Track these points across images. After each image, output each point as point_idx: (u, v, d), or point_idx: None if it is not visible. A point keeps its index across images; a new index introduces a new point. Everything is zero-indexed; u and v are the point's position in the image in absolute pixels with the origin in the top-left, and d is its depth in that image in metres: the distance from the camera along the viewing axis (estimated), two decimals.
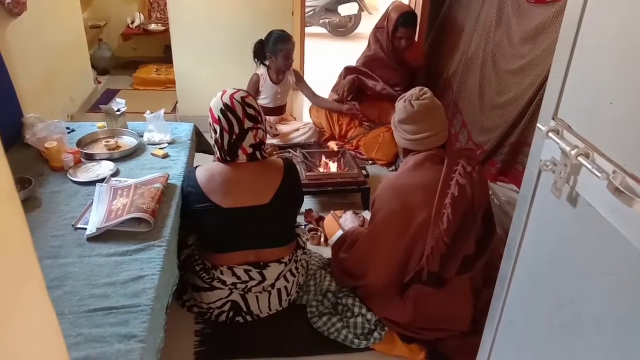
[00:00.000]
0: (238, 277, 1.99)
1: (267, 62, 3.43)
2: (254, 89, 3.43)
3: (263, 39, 3.37)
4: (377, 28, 3.67)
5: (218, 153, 2.01)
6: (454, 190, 1.92)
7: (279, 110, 3.61)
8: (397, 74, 3.68)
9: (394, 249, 2.00)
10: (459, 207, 1.93)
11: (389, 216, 2.00)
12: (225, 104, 1.94)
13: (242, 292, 2.02)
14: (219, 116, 1.94)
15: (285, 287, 2.09)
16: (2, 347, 0.43)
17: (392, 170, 3.40)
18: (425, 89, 2.09)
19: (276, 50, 3.32)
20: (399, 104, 2.08)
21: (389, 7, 3.60)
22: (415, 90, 2.08)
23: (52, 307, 0.51)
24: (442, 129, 2.06)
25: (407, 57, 3.64)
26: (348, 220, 2.58)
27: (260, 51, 3.39)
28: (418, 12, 4.13)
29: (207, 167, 2.05)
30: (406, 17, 3.47)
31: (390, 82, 3.66)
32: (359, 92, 3.67)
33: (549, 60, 1.54)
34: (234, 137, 1.95)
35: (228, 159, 1.99)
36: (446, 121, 2.11)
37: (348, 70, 3.77)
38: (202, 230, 2.06)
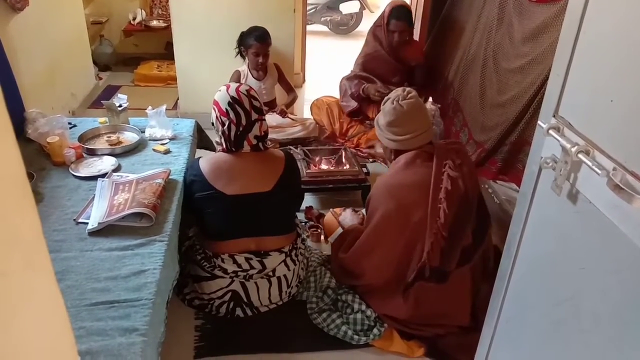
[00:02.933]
0: (239, 266, 2.02)
1: (244, 56, 3.42)
2: None
3: (244, 31, 3.36)
4: (376, 26, 3.66)
5: (224, 144, 2.06)
6: (446, 184, 1.95)
7: (268, 106, 3.59)
8: (397, 72, 3.67)
9: (392, 249, 2.01)
10: (454, 200, 1.95)
11: (386, 217, 2.01)
12: (232, 97, 2.00)
13: (242, 280, 2.04)
14: (226, 109, 2.00)
15: (285, 277, 2.11)
16: (15, 332, 0.44)
17: None
18: (409, 88, 2.13)
19: (248, 46, 3.32)
20: (387, 107, 2.10)
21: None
22: (399, 91, 2.10)
23: (60, 294, 0.52)
24: (428, 126, 2.11)
25: (406, 55, 3.63)
26: (347, 217, 2.59)
27: (239, 43, 3.39)
28: (420, 10, 4.14)
29: (211, 156, 2.12)
30: (397, 9, 3.48)
31: (390, 80, 3.65)
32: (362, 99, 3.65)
33: (550, 59, 1.54)
34: (241, 128, 2.01)
35: (233, 149, 2.05)
36: (430, 119, 2.15)
37: (349, 79, 3.72)
38: (204, 218, 2.08)
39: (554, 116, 1.12)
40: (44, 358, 0.51)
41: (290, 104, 3.62)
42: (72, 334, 0.56)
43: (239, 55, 3.43)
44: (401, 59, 3.64)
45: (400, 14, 3.48)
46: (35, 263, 0.46)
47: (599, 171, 0.92)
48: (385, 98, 2.15)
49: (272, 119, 3.46)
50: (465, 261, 2.00)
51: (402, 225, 1.98)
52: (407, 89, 2.12)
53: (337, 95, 3.94)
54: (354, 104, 3.65)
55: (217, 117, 2.04)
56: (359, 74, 3.70)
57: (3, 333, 0.43)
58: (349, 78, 3.72)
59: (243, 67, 3.46)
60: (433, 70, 3.91)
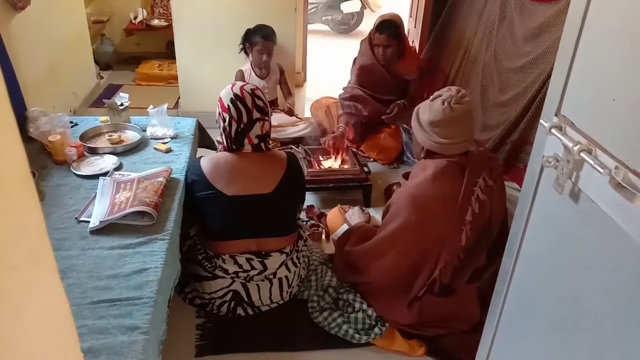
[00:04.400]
0: (240, 266, 2.02)
1: (249, 53, 3.43)
2: None
3: (251, 28, 3.38)
4: (369, 37, 3.61)
5: (225, 142, 2.06)
6: (474, 206, 1.88)
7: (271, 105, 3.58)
8: (390, 85, 3.57)
9: (404, 257, 1.98)
10: (478, 224, 1.91)
11: (404, 227, 1.96)
12: (235, 94, 2.00)
13: (243, 281, 2.04)
14: (228, 105, 2.00)
15: (287, 277, 2.11)
16: (20, 326, 0.44)
17: (395, 168, 3.40)
18: (464, 91, 1.98)
19: (253, 43, 3.34)
20: (436, 105, 1.95)
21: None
22: (452, 92, 1.95)
23: (64, 290, 0.52)
24: (470, 135, 2.00)
25: (400, 70, 3.52)
26: (355, 215, 2.57)
27: (244, 40, 3.40)
28: (420, 10, 4.14)
29: (212, 156, 2.11)
30: (381, 23, 3.37)
31: (383, 92, 3.58)
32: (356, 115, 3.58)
33: (552, 58, 1.54)
34: (241, 126, 2.01)
35: (234, 147, 2.05)
36: (474, 128, 2.05)
37: (345, 99, 3.60)
38: (205, 218, 2.08)
39: (556, 115, 1.12)
40: (48, 352, 0.51)
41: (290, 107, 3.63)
42: (75, 329, 0.56)
43: (242, 52, 3.43)
44: (395, 74, 3.54)
45: (383, 27, 3.36)
46: (39, 258, 0.47)
47: (601, 170, 0.92)
48: (436, 94, 1.99)
49: (273, 118, 3.46)
50: (475, 280, 1.99)
51: (420, 237, 1.94)
52: (462, 90, 1.97)
53: (336, 95, 3.94)
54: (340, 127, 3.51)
55: (219, 113, 2.05)
56: (353, 93, 3.56)
57: (9, 326, 0.43)
58: (344, 98, 3.59)
59: (246, 66, 3.47)
60: (433, 69, 3.89)
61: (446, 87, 2.02)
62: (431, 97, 2.01)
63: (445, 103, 1.92)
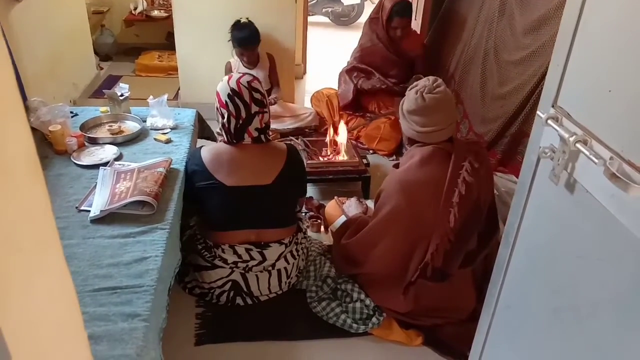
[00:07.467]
0: (239, 256, 2.03)
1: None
2: None
3: (239, 21, 3.34)
4: (372, 18, 3.64)
5: (224, 136, 2.06)
6: (461, 188, 1.90)
7: None
8: (395, 65, 3.65)
9: (397, 244, 2.00)
10: (466, 206, 1.92)
11: (395, 212, 1.99)
12: (232, 89, 1.99)
13: (242, 272, 2.06)
14: (226, 101, 1.99)
15: (285, 269, 2.12)
16: (27, 308, 0.46)
17: (393, 160, 3.41)
18: (439, 80, 2.01)
19: (234, 45, 3.33)
20: (410, 94, 2.01)
21: None
22: (428, 82, 1.99)
23: (69, 272, 0.53)
24: (450, 122, 2.02)
25: (405, 47, 3.62)
26: (352, 206, 2.58)
27: (230, 33, 3.37)
28: (421, 2, 4.13)
29: (213, 146, 2.12)
30: (400, 6, 3.46)
31: (388, 73, 3.65)
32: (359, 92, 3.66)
33: (551, 51, 1.54)
34: (240, 121, 2.00)
35: (234, 141, 2.05)
36: (456, 114, 2.08)
37: (348, 72, 3.74)
38: (205, 208, 2.10)
39: (552, 106, 1.13)
40: (54, 334, 0.52)
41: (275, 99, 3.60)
42: (80, 312, 0.58)
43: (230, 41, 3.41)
44: (400, 52, 3.63)
45: (403, 10, 3.46)
46: (46, 241, 0.48)
47: (596, 160, 0.93)
48: (413, 84, 2.04)
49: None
50: (468, 264, 2.00)
51: (411, 222, 1.97)
52: (438, 80, 2.00)
53: (337, 87, 3.95)
54: (349, 97, 3.65)
55: (217, 108, 2.05)
56: (357, 65, 3.69)
57: (16, 309, 0.44)
58: (347, 70, 3.74)
59: (235, 57, 3.46)
60: (433, 62, 3.90)
61: (425, 77, 2.04)
62: (410, 87, 2.05)
63: (418, 93, 1.97)
